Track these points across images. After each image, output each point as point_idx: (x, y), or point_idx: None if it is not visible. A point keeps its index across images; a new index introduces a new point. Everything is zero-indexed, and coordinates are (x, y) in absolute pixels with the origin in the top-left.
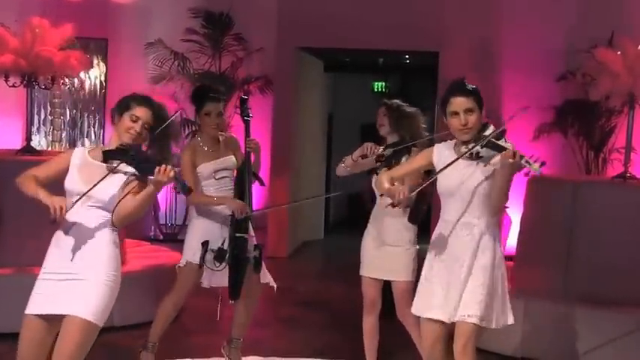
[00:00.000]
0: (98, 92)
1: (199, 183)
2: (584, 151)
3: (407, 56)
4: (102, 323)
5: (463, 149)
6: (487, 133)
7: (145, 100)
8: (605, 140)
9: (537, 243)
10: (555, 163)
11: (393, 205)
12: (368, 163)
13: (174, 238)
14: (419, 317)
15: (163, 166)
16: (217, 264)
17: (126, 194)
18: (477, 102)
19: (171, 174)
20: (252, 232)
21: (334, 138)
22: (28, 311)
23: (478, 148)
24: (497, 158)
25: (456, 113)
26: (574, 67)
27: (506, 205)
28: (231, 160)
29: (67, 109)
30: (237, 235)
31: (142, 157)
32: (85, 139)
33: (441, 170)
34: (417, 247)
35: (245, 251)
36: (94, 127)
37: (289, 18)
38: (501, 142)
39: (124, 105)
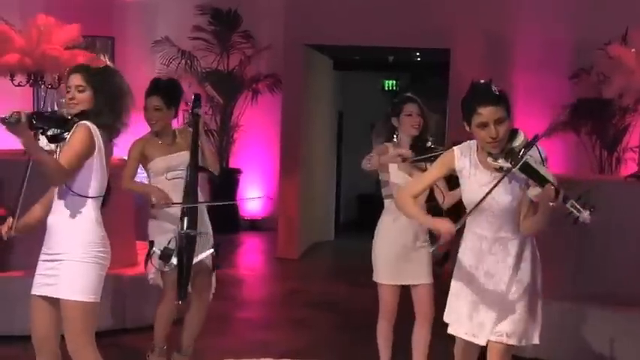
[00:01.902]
0: None
1: (135, 173)
2: (598, 150)
3: (418, 53)
4: (96, 297)
5: (489, 160)
6: (517, 142)
7: (73, 69)
8: (618, 139)
9: (549, 242)
10: (568, 162)
11: (439, 246)
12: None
13: None
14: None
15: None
16: (164, 264)
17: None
18: (507, 109)
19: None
20: (208, 230)
21: (344, 137)
22: (32, 292)
23: (511, 168)
24: (534, 191)
25: (485, 125)
26: (587, 64)
27: None
28: (185, 155)
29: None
30: (182, 232)
31: (48, 116)
32: None
33: (488, 194)
34: (433, 248)
35: (191, 249)
36: None
37: (297, 15)
38: (539, 168)
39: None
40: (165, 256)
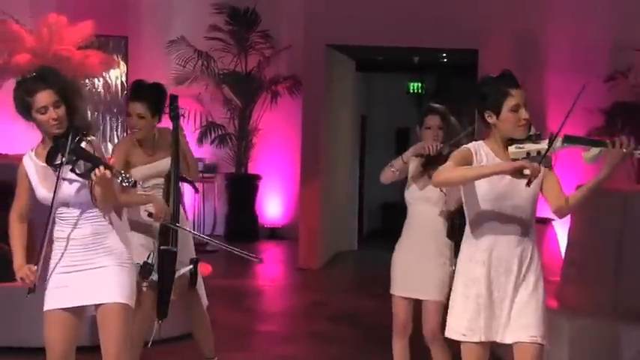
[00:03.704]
0: (120, 93)
1: None
2: (636, 159)
3: (444, 54)
4: (133, 305)
5: (514, 149)
6: (532, 131)
7: (34, 84)
8: None
9: (585, 257)
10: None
11: (530, 182)
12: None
13: (201, 249)
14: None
15: (98, 170)
16: (143, 280)
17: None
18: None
19: (108, 175)
20: (188, 244)
21: (368, 142)
22: (51, 307)
23: (558, 144)
24: (591, 152)
25: (518, 106)
26: (623, 66)
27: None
28: (166, 163)
29: (88, 112)
30: (162, 247)
31: (76, 156)
32: (108, 143)
33: (546, 152)
34: (454, 267)
35: (172, 265)
36: (116, 131)
37: (319, 14)
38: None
39: (22, 106)
40: (145, 271)
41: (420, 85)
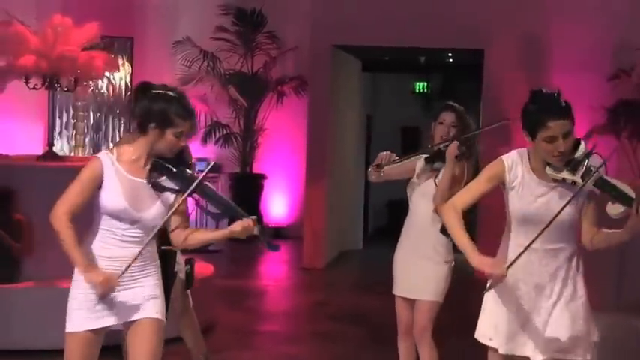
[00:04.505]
0: (124, 94)
1: None
2: (639, 155)
3: (450, 54)
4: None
5: (550, 171)
6: (579, 153)
7: (187, 113)
8: None
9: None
10: (607, 166)
11: (491, 287)
12: (399, 172)
13: (204, 248)
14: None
15: (249, 221)
16: None
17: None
18: (572, 121)
19: (253, 232)
20: None
21: (373, 141)
22: (79, 328)
23: (584, 184)
24: (615, 209)
25: (554, 139)
26: (627, 65)
27: None
28: None
29: (91, 113)
30: (163, 247)
31: (214, 197)
32: (110, 144)
33: (556, 216)
34: (453, 263)
35: (172, 265)
36: (118, 132)
37: (325, 15)
38: (614, 182)
39: (166, 120)
40: None
41: (425, 85)
